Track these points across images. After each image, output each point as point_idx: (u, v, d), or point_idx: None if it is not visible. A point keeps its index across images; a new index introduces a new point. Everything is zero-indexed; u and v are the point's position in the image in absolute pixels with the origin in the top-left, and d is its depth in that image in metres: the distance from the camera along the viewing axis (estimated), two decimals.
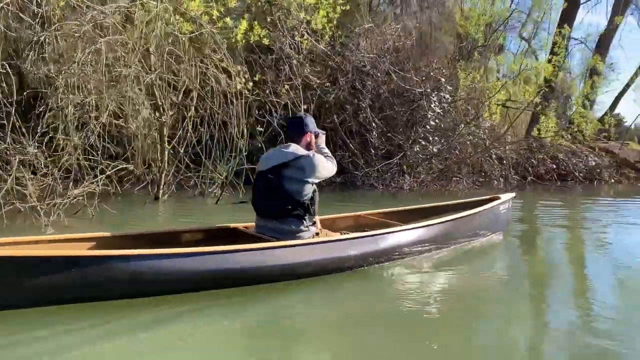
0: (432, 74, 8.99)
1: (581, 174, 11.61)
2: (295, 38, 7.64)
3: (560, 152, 11.72)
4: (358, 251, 2.90)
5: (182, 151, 5.51)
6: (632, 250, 4.20)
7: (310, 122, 2.99)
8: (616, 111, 16.50)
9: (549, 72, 8.44)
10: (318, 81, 8.22)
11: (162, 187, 5.48)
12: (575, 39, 14.66)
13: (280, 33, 7.54)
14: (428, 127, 8.31)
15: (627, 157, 13.62)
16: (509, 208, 4.45)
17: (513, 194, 4.61)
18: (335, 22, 7.85)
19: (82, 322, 2.05)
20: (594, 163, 11.71)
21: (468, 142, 8.85)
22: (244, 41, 6.51)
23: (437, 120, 8.68)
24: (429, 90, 8.40)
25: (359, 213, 3.79)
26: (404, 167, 8.21)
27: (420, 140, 8.34)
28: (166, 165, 5.37)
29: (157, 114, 5.10)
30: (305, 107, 8.20)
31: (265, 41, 6.58)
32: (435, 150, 8.65)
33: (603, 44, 15.34)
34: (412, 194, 7.72)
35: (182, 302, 2.29)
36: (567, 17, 13.05)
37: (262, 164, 2.92)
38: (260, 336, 2.09)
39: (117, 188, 5.67)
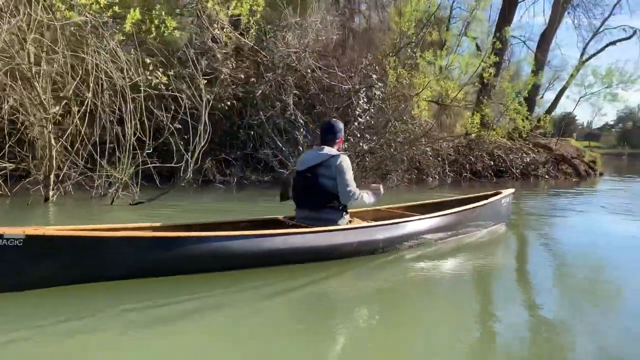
0: (364, 70, 8.89)
1: (518, 170, 11.79)
2: (215, 31, 7.36)
3: (498, 149, 11.86)
4: (384, 236, 3.37)
5: (73, 150, 5.13)
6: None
7: (341, 129, 3.44)
8: (568, 110, 17.03)
9: (469, 67, 8.44)
10: (243, 76, 7.98)
11: (51, 187, 5.09)
12: (515, 37, 14.93)
13: (199, 26, 7.26)
14: (356, 124, 8.18)
15: (565, 153, 13.95)
16: (509, 202, 4.99)
17: (512, 190, 5.12)
18: (258, 15, 7.60)
19: (176, 292, 2.52)
20: (528, 159, 11.90)
21: (399, 140, 8.77)
22: (153, 33, 6.18)
23: (368, 117, 8.56)
24: (357, 86, 8.27)
25: (379, 207, 4.26)
26: None
27: (349, 137, 8.20)
28: (54, 163, 4.99)
29: (40, 109, 4.72)
30: (229, 103, 7.94)
31: (176, 34, 6.25)
32: (366, 147, 8.53)
33: (543, 43, 15.72)
34: None
35: (248, 279, 2.77)
36: (506, 15, 13.26)
37: (300, 164, 3.34)
38: (308, 305, 2.58)
39: (4, 189, 5.28)
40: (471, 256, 3.71)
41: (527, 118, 11.95)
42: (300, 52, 7.54)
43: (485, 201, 4.44)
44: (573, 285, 3.13)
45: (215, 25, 7.23)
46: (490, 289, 3.10)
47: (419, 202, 4.66)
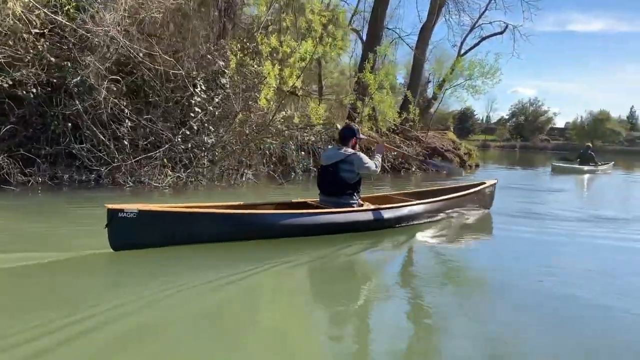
0: (209, 56, 8.13)
1: (388, 164, 11.71)
2: (9, 4, 6.20)
3: (368, 142, 11.69)
4: (389, 216, 4.32)
5: None
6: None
7: (356, 129, 4.46)
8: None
9: (307, 55, 8.04)
10: (54, 59, 6.85)
11: None
12: (390, 29, 14.97)
13: None
14: (192, 114, 7.41)
15: (440, 146, 14.25)
16: (493, 191, 5.84)
17: (495, 180, 5.97)
18: None
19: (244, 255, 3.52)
20: (395, 153, 11.85)
21: (247, 131, 8.15)
22: None
23: (211, 108, 7.83)
24: (194, 73, 7.50)
25: (386, 194, 5.32)
26: (165, 160, 7.20)
27: (185, 131, 7.41)
28: None
29: None
30: (35, 91, 6.77)
31: None
32: (209, 141, 7.80)
33: (421, 40, 15.96)
34: (176, 193, 6.79)
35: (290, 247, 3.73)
36: (380, 6, 13.15)
37: (324, 160, 4.33)
38: (332, 268, 3.48)
39: None
40: (451, 236, 4.53)
41: (399, 111, 11.94)
42: (111, 30, 6.58)
43: (472, 189, 5.34)
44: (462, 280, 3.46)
45: None
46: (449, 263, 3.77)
47: (417, 190, 5.80)
